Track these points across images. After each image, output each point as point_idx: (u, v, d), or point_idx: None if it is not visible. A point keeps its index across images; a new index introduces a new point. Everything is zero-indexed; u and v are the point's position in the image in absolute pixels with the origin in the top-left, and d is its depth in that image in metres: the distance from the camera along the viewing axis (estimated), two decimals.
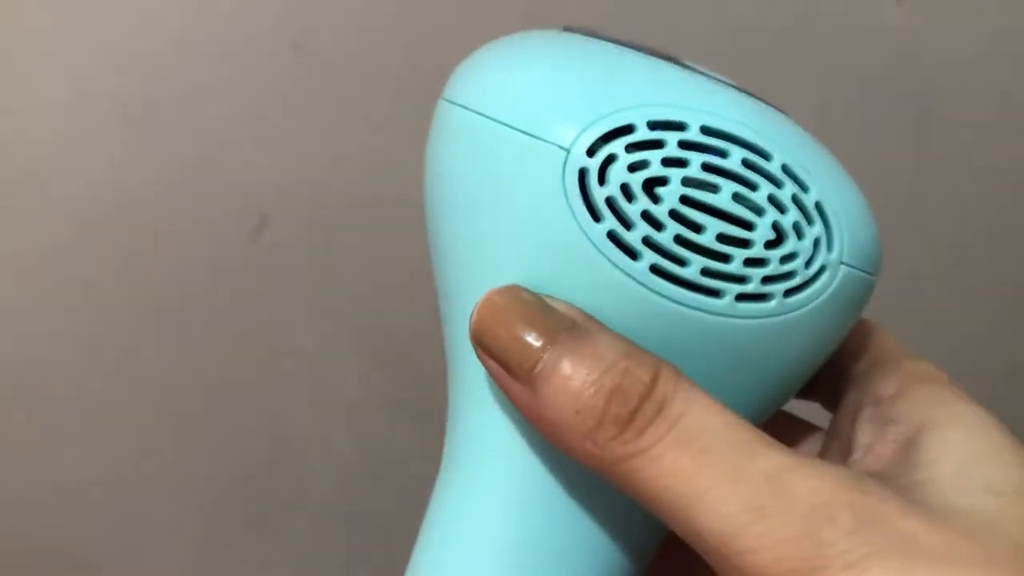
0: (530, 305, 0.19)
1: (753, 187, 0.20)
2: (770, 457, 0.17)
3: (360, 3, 0.50)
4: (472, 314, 0.20)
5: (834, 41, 0.54)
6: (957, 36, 0.55)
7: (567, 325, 0.19)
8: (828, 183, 0.21)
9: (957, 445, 0.19)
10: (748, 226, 0.20)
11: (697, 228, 0.20)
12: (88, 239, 0.51)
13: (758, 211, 0.20)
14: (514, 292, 0.19)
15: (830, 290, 0.21)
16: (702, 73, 0.22)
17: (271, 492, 0.56)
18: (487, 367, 0.19)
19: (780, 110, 0.22)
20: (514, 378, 0.18)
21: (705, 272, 0.20)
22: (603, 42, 0.22)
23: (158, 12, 0.49)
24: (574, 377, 0.18)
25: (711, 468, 0.17)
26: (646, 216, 0.19)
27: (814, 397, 0.24)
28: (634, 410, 0.18)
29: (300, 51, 0.50)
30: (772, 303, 0.20)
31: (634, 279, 0.19)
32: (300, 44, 0.50)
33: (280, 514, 0.56)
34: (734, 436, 0.17)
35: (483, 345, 0.19)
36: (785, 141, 0.21)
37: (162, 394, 0.54)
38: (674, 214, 0.19)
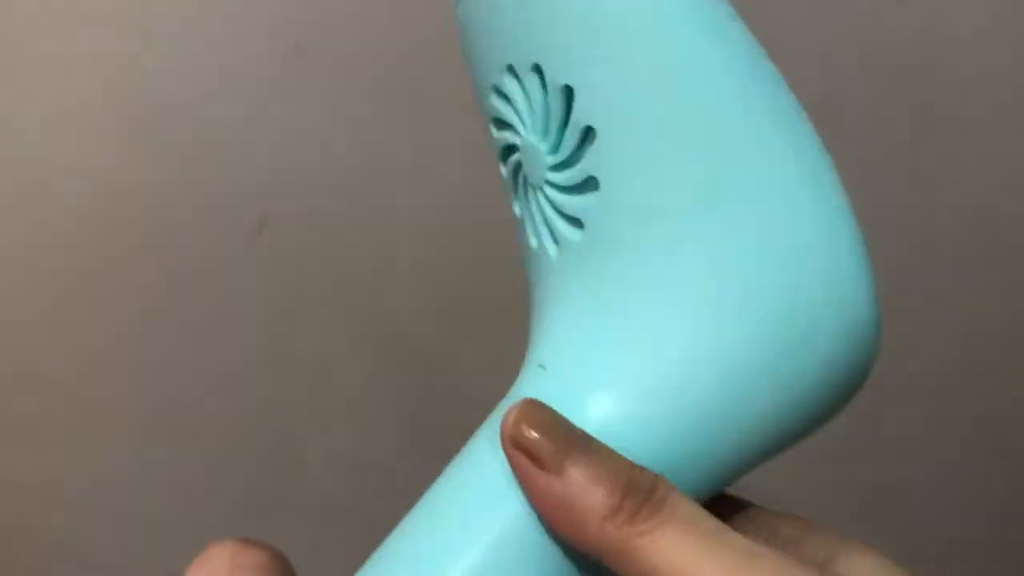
0: (556, 414, 0.24)
1: None
2: (740, 539, 0.23)
3: (360, 4, 0.50)
4: (508, 416, 0.23)
5: (833, 40, 0.54)
6: (957, 36, 0.55)
7: (584, 434, 0.24)
8: None
9: (864, 567, 0.24)
10: None
11: None
12: (88, 239, 0.51)
13: None
14: (542, 403, 0.24)
15: None
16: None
17: (271, 491, 0.56)
18: (513, 459, 0.23)
19: None
20: (542, 467, 0.23)
21: None
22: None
23: (159, 13, 0.49)
24: (598, 471, 0.23)
25: (701, 544, 0.22)
26: None
27: None
28: (643, 501, 0.23)
29: (301, 52, 0.50)
30: None
31: None
32: (301, 45, 0.50)
33: (280, 513, 0.56)
34: (714, 524, 0.23)
35: (519, 439, 0.23)
36: None
37: (162, 393, 0.54)
38: None
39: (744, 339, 0.22)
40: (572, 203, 0.24)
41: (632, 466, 0.23)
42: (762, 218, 0.22)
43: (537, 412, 0.23)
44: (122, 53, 0.49)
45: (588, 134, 0.23)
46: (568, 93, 0.24)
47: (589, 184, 0.24)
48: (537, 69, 0.24)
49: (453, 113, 0.51)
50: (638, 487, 0.23)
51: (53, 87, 0.49)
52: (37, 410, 0.54)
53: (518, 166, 0.26)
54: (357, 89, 0.51)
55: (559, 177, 0.24)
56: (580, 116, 0.23)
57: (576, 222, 0.24)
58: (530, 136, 0.25)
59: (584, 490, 0.22)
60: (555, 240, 0.25)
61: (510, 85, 0.25)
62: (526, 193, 0.26)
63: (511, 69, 0.25)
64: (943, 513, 0.63)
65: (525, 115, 0.25)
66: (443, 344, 0.55)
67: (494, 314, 0.53)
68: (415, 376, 0.55)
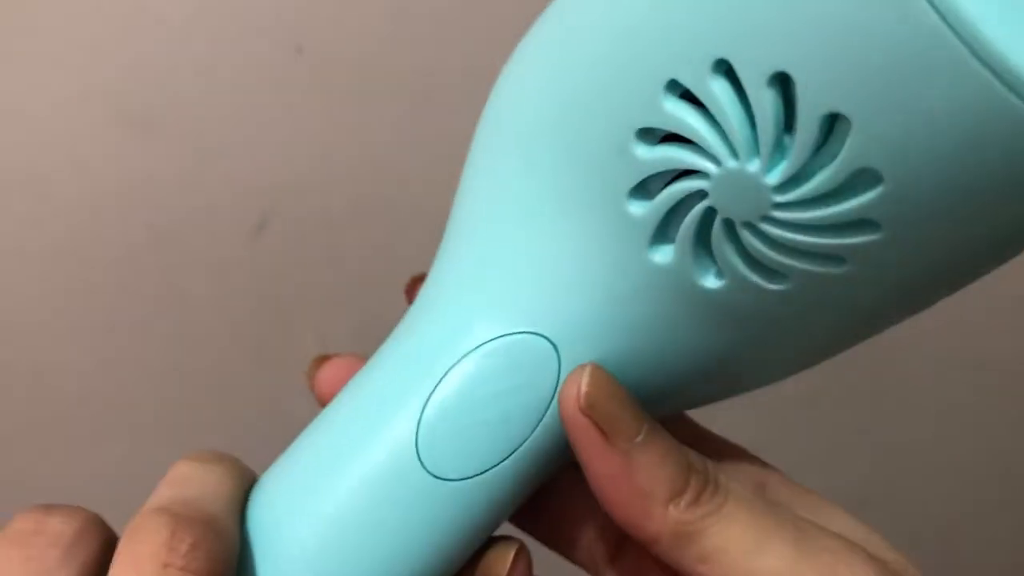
0: (624, 389, 0.22)
1: None
2: (789, 513, 0.22)
3: (361, 6, 0.50)
4: (578, 383, 0.21)
5: None
6: None
7: (647, 417, 0.22)
8: None
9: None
10: None
11: None
12: (88, 239, 0.51)
13: None
14: (608, 372, 0.22)
15: None
16: None
17: None
18: (580, 431, 0.21)
19: None
20: (610, 444, 0.21)
21: None
22: None
23: (160, 13, 0.49)
24: (664, 452, 0.22)
25: (762, 523, 0.22)
26: None
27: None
28: (704, 483, 0.22)
29: (301, 53, 0.50)
30: None
31: None
32: (301, 47, 0.50)
33: None
34: (764, 501, 0.22)
35: (594, 411, 0.21)
36: None
37: (161, 393, 0.54)
38: None
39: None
40: (825, 243, 0.18)
41: (688, 449, 0.22)
42: None
43: (610, 384, 0.22)
44: (122, 52, 0.49)
45: (860, 174, 0.17)
46: (832, 121, 0.17)
47: (860, 226, 0.18)
48: (780, 81, 0.17)
49: (454, 113, 0.51)
50: (697, 469, 0.22)
51: (53, 86, 0.49)
52: (35, 409, 0.54)
53: (693, 197, 0.20)
54: (358, 90, 0.51)
55: (806, 216, 0.18)
56: (854, 154, 0.17)
57: (836, 260, 0.19)
58: (745, 163, 0.18)
59: (651, 471, 0.21)
60: (774, 277, 0.20)
61: (717, 89, 0.18)
62: (704, 233, 0.20)
63: (724, 68, 0.18)
64: (944, 511, 0.63)
65: (737, 133, 0.18)
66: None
67: None
68: None
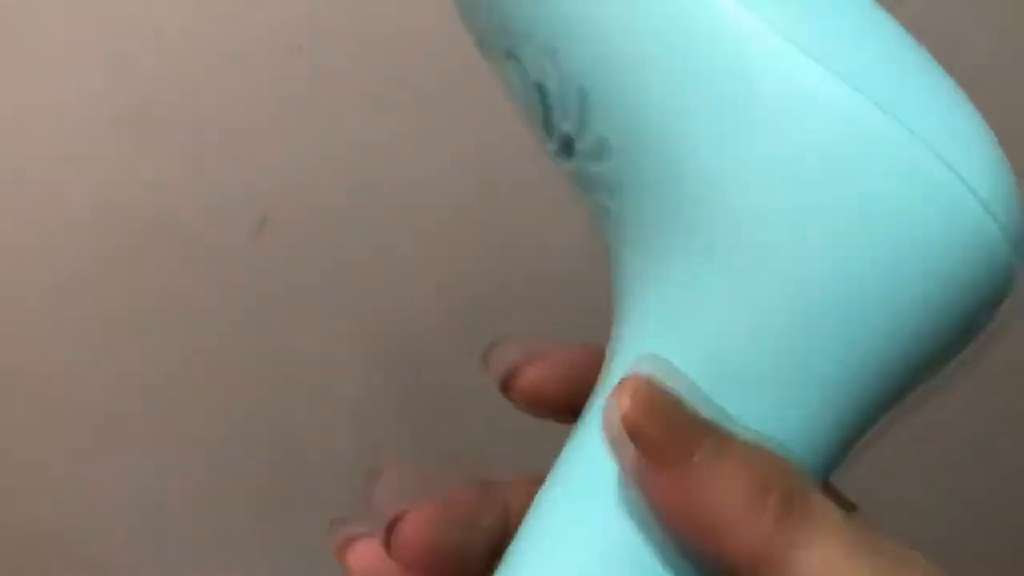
0: (674, 395, 0.19)
1: None
2: (887, 541, 0.19)
3: (361, 6, 0.50)
4: (618, 401, 0.18)
5: None
6: (958, 36, 0.55)
7: (708, 420, 0.19)
8: None
9: None
10: None
11: None
12: (88, 239, 0.51)
13: None
14: (656, 383, 0.19)
15: None
16: None
17: (272, 493, 0.56)
18: (625, 455, 0.18)
19: None
20: (661, 463, 0.18)
21: None
22: None
23: (160, 13, 0.49)
24: (735, 464, 0.18)
25: (857, 550, 0.18)
26: None
27: None
28: (788, 499, 0.18)
29: (301, 53, 0.50)
30: None
31: None
32: (301, 47, 0.50)
33: (281, 515, 0.56)
34: (856, 522, 0.19)
35: (638, 428, 0.18)
36: None
37: (162, 395, 0.54)
38: None
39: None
40: (589, 170, 0.21)
41: (769, 456, 0.19)
42: None
43: (659, 394, 0.18)
44: (122, 53, 0.49)
45: (600, 143, 0.20)
46: (584, 95, 0.20)
47: (604, 150, 0.20)
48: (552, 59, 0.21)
49: (454, 113, 0.51)
50: (779, 481, 0.18)
51: (52, 87, 0.49)
52: (34, 408, 0.54)
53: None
54: (358, 89, 0.51)
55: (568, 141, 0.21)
56: (596, 125, 0.20)
57: (607, 191, 0.21)
58: (545, 110, 0.22)
59: (719, 489, 0.18)
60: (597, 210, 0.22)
61: (514, 69, 0.23)
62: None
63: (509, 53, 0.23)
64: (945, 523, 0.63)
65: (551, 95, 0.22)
66: (445, 344, 0.55)
67: (497, 314, 0.53)
68: (418, 377, 0.55)
